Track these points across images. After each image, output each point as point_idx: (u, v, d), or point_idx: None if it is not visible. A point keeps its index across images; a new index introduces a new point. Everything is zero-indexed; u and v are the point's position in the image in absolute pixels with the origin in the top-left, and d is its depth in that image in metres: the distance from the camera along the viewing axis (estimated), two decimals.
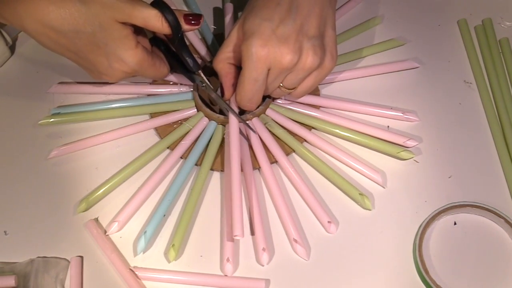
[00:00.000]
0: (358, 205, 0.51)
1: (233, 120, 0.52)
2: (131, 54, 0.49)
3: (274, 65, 0.46)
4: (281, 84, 0.49)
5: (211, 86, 0.54)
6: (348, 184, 0.51)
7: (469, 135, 0.55)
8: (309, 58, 0.46)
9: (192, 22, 0.50)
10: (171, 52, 0.55)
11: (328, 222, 0.49)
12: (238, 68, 0.51)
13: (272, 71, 0.47)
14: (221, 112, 0.55)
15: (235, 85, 0.51)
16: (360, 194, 0.50)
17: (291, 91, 0.50)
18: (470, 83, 0.58)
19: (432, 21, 0.63)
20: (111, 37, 0.47)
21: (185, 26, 0.50)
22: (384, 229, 0.49)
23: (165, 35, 0.51)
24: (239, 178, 0.49)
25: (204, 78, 0.53)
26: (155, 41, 0.54)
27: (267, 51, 0.45)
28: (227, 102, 0.53)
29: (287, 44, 0.45)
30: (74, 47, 0.48)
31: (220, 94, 0.53)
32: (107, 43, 0.48)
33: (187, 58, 0.52)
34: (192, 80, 0.55)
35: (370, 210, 0.50)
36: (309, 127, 0.55)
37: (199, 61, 0.59)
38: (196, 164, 0.53)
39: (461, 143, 0.54)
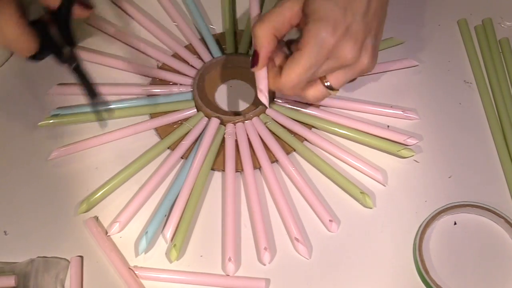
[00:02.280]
0: (359, 203, 0.51)
1: None
2: (12, 25, 0.43)
3: (335, 56, 0.44)
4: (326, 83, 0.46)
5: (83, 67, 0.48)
6: (349, 182, 0.51)
7: (469, 135, 0.55)
8: (366, 60, 0.45)
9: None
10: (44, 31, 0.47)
11: (330, 220, 0.49)
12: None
13: (328, 63, 0.44)
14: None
15: (268, 60, 0.47)
16: (361, 192, 0.50)
17: (331, 92, 0.47)
18: (470, 83, 0.58)
19: (432, 21, 0.63)
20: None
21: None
22: (384, 229, 0.49)
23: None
24: None
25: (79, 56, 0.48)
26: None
27: (335, 40, 0.42)
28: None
29: (355, 40, 0.43)
30: None
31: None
32: None
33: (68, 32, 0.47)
34: (63, 62, 0.48)
35: (371, 208, 0.50)
36: (309, 126, 0.55)
37: (199, 61, 0.59)
38: None
39: (461, 143, 0.54)
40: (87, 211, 0.51)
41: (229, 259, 0.47)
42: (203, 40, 0.61)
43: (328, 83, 0.47)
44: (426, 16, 0.63)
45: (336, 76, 0.46)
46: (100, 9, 0.64)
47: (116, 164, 0.53)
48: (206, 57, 0.59)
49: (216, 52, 0.59)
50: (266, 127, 0.54)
